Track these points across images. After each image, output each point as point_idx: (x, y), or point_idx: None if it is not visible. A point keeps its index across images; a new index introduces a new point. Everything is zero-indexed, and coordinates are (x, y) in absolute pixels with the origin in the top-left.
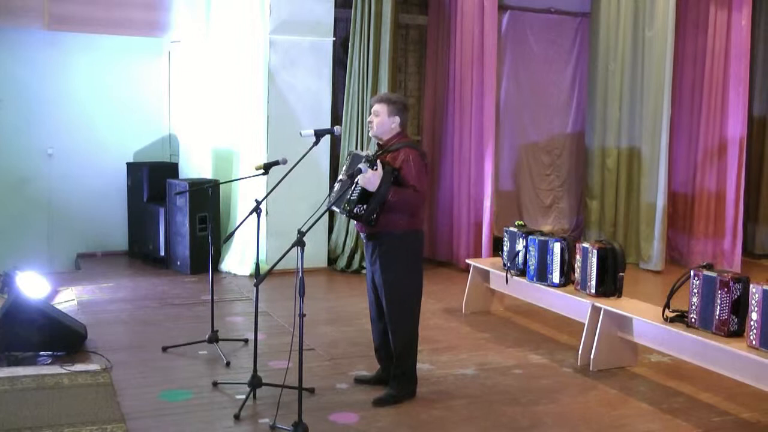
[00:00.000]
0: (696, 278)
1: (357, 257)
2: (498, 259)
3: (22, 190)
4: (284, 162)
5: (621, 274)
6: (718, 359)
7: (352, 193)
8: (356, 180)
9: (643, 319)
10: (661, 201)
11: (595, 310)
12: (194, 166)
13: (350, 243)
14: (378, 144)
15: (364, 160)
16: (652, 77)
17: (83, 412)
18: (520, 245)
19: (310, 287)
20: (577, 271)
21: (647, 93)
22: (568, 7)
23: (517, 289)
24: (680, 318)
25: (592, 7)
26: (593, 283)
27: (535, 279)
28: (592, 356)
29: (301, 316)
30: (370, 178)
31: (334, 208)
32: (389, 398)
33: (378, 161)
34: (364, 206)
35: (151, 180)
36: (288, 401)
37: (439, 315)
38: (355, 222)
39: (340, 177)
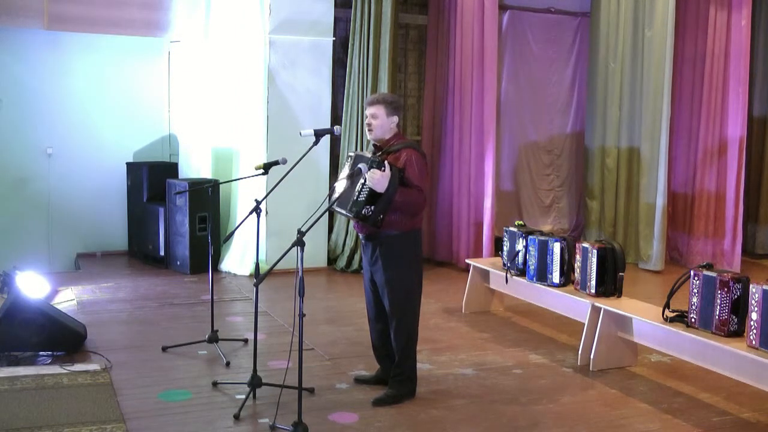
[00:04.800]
0: (696, 278)
1: (357, 257)
2: (498, 259)
3: (22, 190)
4: (284, 162)
5: (621, 274)
6: (718, 359)
7: (359, 194)
8: (362, 181)
9: (643, 319)
10: (660, 201)
11: (595, 310)
12: (194, 166)
13: (350, 243)
14: (374, 145)
15: (368, 161)
16: (651, 77)
17: (83, 412)
18: (520, 245)
19: (310, 287)
20: (577, 271)
21: (647, 93)
22: (568, 7)
23: (516, 289)
24: (680, 318)
25: (592, 7)
26: (593, 283)
27: (535, 279)
28: (591, 356)
29: (301, 316)
30: (380, 180)
31: (338, 210)
32: (389, 398)
33: (386, 162)
34: (372, 207)
35: (151, 180)
36: (288, 401)
37: (439, 315)
38: (354, 222)
39: (340, 177)
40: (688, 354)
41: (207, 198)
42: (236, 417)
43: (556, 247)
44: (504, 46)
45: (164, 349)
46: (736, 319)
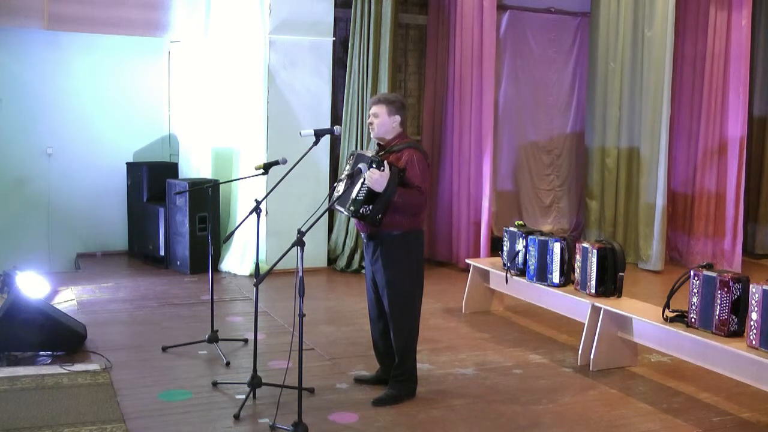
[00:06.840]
0: (696, 278)
1: (357, 257)
2: (498, 259)
3: (22, 190)
4: (284, 162)
5: (621, 274)
6: (718, 359)
7: (358, 193)
8: (362, 180)
9: (643, 319)
10: (660, 201)
11: (595, 310)
12: (194, 166)
13: (350, 243)
14: (378, 144)
15: (369, 161)
16: (651, 77)
17: (83, 412)
18: (520, 245)
19: (310, 287)
20: (577, 271)
21: (647, 93)
22: (568, 7)
23: (516, 289)
24: (680, 318)
25: (592, 7)
26: (593, 283)
27: (534, 279)
28: (591, 356)
29: (301, 316)
30: (378, 179)
31: (338, 208)
32: (389, 398)
33: (385, 162)
34: (370, 207)
35: (151, 180)
36: (288, 401)
37: (439, 315)
38: (356, 221)
39: (341, 177)
40: (688, 354)
41: (207, 198)
42: (236, 417)
43: (556, 247)
44: (504, 47)
45: (164, 349)
46: (736, 319)
